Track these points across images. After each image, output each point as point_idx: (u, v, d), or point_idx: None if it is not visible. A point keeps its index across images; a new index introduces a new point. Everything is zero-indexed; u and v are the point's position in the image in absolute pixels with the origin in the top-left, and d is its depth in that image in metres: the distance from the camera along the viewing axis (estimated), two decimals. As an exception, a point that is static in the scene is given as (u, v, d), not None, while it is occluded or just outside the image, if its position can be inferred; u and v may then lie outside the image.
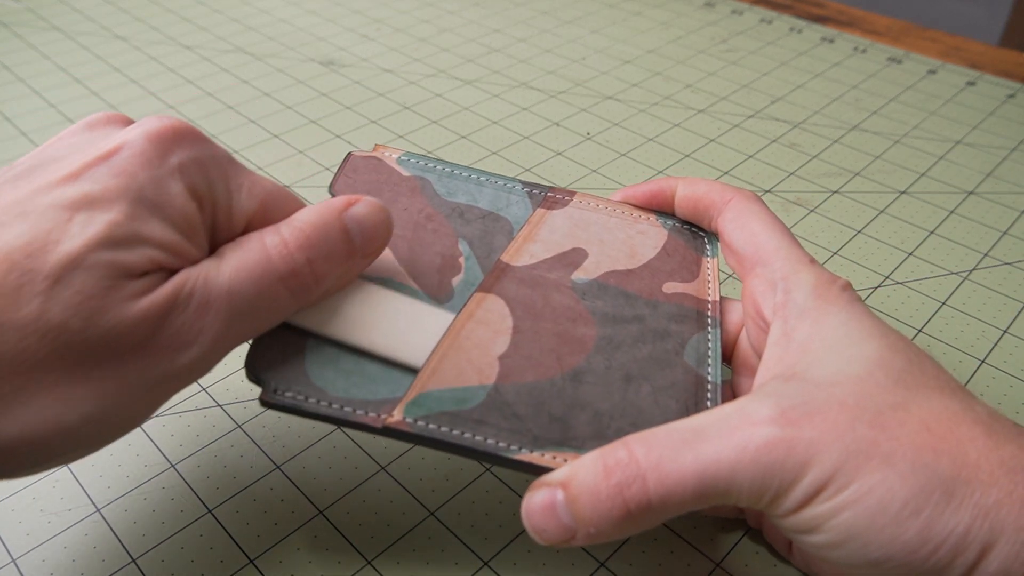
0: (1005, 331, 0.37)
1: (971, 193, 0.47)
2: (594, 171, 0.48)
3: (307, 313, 0.25)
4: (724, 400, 0.27)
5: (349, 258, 0.24)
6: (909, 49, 0.64)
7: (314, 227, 0.23)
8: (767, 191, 0.47)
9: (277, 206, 0.24)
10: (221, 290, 0.21)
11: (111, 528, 0.28)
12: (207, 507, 0.29)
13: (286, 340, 0.24)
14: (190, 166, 0.22)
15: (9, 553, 0.27)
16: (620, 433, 0.24)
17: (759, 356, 0.27)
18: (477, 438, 0.24)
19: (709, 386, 0.26)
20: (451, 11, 0.70)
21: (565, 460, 0.24)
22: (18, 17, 0.67)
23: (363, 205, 0.24)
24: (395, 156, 0.31)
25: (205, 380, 0.34)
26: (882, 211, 0.45)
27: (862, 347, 0.23)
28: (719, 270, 0.30)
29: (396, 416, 0.24)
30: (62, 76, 0.58)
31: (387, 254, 0.27)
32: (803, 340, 0.24)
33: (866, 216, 0.45)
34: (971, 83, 0.59)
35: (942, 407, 0.21)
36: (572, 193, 0.31)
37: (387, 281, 0.26)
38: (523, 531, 0.28)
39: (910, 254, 0.42)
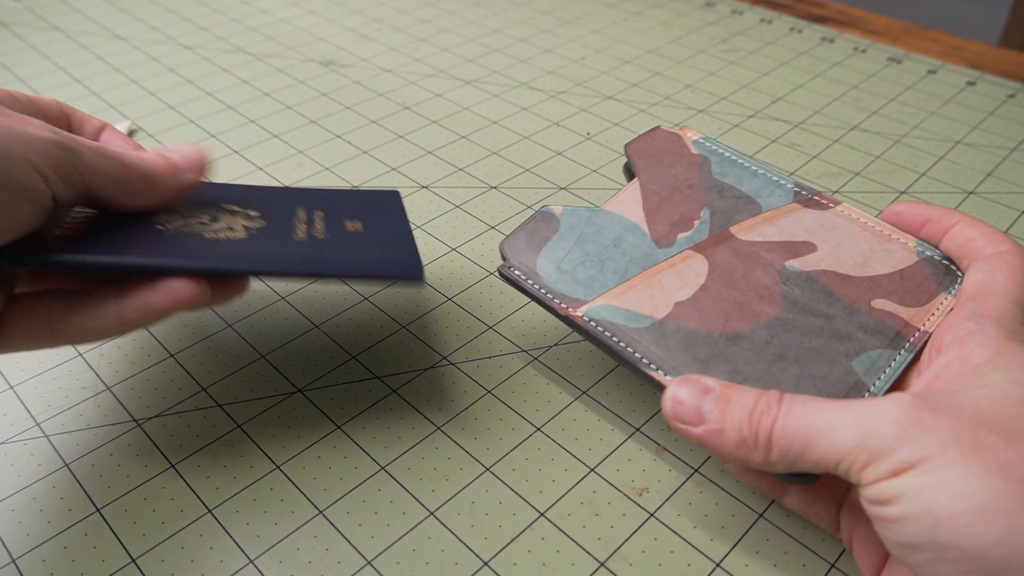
0: (1005, 331, 0.37)
1: (971, 193, 0.47)
2: (594, 171, 0.48)
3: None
4: None
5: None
6: (909, 49, 0.64)
7: None
8: (767, 191, 0.47)
9: None
10: None
11: (111, 528, 0.28)
12: (207, 507, 0.29)
13: (533, 236, 0.32)
14: None
15: (9, 553, 0.27)
16: None
17: None
18: (628, 349, 0.28)
19: (868, 396, 0.26)
20: (451, 11, 0.70)
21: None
22: (18, 17, 0.67)
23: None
24: (694, 138, 0.35)
25: (205, 380, 0.34)
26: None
27: None
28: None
29: (578, 312, 0.29)
30: (62, 76, 0.58)
31: (638, 199, 0.33)
32: (979, 366, 0.24)
33: (866, 216, 0.45)
34: (971, 83, 0.59)
35: None
36: (838, 202, 0.32)
37: (623, 219, 0.33)
38: (523, 531, 0.28)
39: (910, 254, 0.42)
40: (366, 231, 0.32)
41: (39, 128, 0.25)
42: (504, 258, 0.32)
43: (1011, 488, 0.19)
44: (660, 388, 0.27)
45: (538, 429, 0.32)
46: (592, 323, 0.29)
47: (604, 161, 0.49)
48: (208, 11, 0.69)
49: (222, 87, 0.57)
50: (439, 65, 0.61)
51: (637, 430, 0.32)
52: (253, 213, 0.32)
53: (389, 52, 0.63)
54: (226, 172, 0.48)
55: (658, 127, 0.36)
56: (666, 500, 0.30)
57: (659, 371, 0.28)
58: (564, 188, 0.47)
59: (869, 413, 0.22)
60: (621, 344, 0.29)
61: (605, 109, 0.55)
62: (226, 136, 0.51)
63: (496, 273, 0.30)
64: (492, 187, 0.47)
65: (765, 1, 0.73)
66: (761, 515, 0.29)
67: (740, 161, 0.34)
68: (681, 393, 0.26)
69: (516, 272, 0.31)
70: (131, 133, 0.51)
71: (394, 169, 0.48)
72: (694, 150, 0.34)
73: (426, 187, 0.47)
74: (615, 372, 0.35)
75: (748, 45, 0.65)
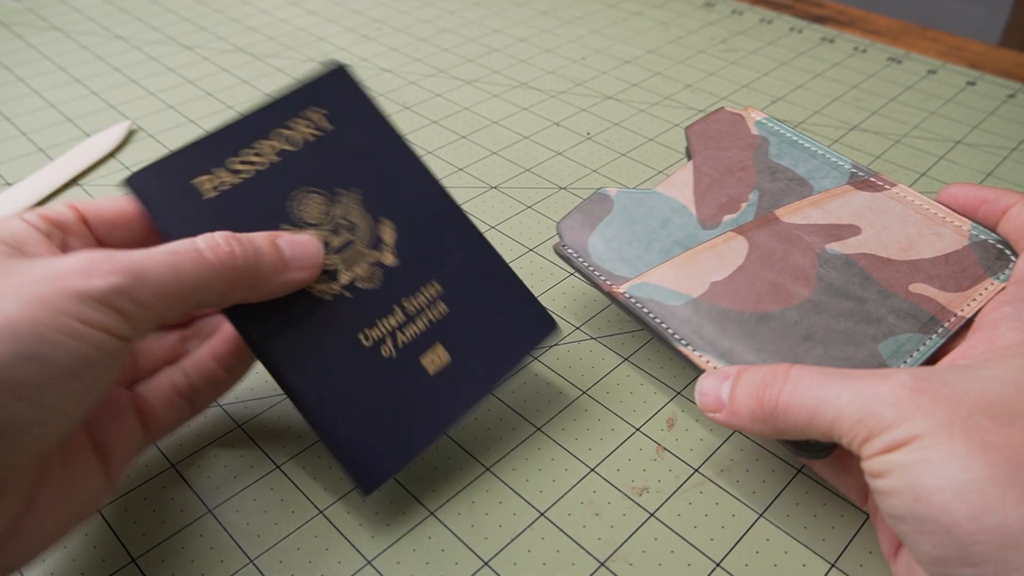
0: (1005, 331, 0.37)
1: (971, 193, 0.47)
2: (594, 171, 0.48)
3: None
4: None
5: None
6: (909, 49, 0.64)
7: None
8: (767, 191, 0.47)
9: None
10: None
11: (111, 528, 0.28)
12: (207, 507, 0.29)
13: (587, 216, 0.34)
14: None
15: (9, 553, 0.27)
16: None
17: None
18: (663, 324, 0.30)
19: None
20: (451, 11, 0.70)
21: (715, 368, 0.28)
22: (18, 17, 0.67)
23: None
24: (756, 118, 0.36)
25: (205, 380, 0.34)
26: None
27: None
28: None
29: (620, 289, 0.32)
30: (62, 76, 0.58)
31: (689, 182, 0.34)
32: (1002, 348, 0.24)
33: (866, 216, 0.45)
34: (971, 83, 0.59)
35: None
36: (894, 183, 0.32)
37: (672, 201, 0.34)
38: (523, 531, 0.28)
39: (910, 254, 0.42)
40: (442, 373, 0.29)
41: (82, 282, 0.21)
42: (560, 236, 0.34)
43: (990, 470, 0.20)
44: (690, 363, 0.29)
45: (538, 429, 0.32)
46: (631, 299, 0.31)
47: (604, 161, 0.49)
48: (208, 11, 0.69)
49: (222, 87, 0.57)
50: (439, 65, 0.61)
51: (637, 430, 0.32)
52: (391, 261, 0.29)
53: (389, 52, 0.63)
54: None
55: (722, 108, 0.36)
56: (666, 500, 0.30)
57: (688, 347, 0.29)
58: (564, 188, 0.47)
59: (871, 392, 0.23)
60: (656, 320, 0.30)
61: (605, 109, 0.55)
62: (226, 136, 0.51)
63: (554, 251, 0.34)
64: (492, 187, 0.47)
65: (765, 1, 0.73)
66: (761, 515, 0.29)
67: (800, 142, 0.34)
68: (704, 384, 0.27)
69: (569, 251, 0.33)
70: (131, 133, 0.51)
71: (394, 169, 0.48)
72: (755, 131, 0.35)
73: (426, 187, 0.47)
74: (615, 372, 0.35)
75: (748, 45, 0.65)
